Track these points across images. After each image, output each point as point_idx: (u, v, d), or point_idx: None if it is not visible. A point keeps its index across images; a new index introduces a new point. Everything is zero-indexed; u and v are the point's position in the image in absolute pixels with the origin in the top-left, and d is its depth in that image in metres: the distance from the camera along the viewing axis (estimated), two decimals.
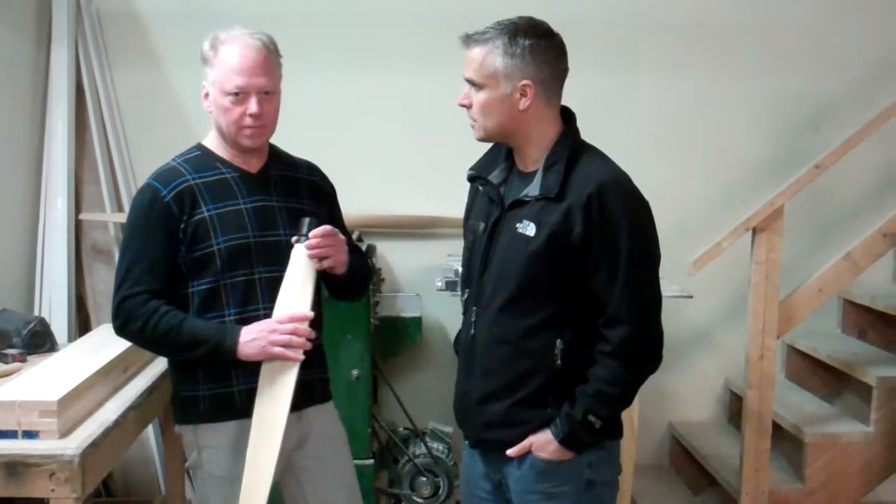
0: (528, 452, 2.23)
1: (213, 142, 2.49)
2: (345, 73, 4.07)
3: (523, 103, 2.16)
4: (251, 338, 2.33)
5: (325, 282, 2.56)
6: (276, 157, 2.55)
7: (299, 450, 2.53)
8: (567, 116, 2.27)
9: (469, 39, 2.18)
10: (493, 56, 2.14)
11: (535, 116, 2.19)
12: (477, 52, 2.16)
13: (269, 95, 2.38)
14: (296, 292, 2.37)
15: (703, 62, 4.19)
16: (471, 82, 2.19)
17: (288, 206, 2.49)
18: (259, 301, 2.41)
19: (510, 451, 2.24)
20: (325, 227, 2.40)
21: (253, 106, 2.34)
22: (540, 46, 2.15)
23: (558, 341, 2.18)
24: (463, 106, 2.23)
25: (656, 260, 2.22)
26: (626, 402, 2.25)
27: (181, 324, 2.34)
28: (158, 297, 2.36)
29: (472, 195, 2.45)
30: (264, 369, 2.34)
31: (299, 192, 2.54)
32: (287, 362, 2.33)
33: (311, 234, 2.38)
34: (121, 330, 2.42)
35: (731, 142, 4.23)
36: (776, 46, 4.19)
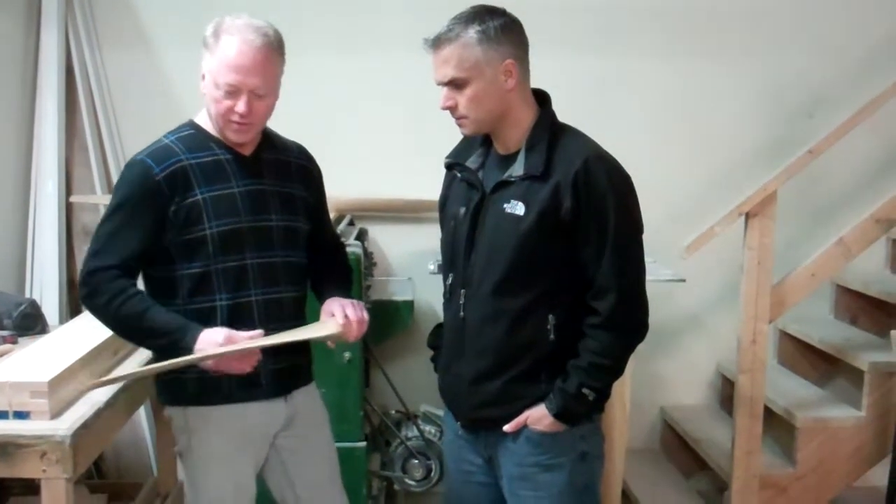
0: (524, 426, 2.26)
1: (205, 121, 2.44)
2: (339, 55, 4.06)
3: (510, 83, 2.19)
4: (203, 349, 2.26)
5: (312, 289, 2.60)
6: (268, 140, 2.52)
7: (285, 430, 2.53)
8: (541, 97, 2.30)
9: (438, 41, 2.18)
10: (469, 48, 2.15)
11: (519, 95, 2.23)
12: (450, 50, 2.17)
13: (262, 96, 2.32)
14: (289, 338, 2.35)
15: (696, 47, 4.18)
16: (452, 82, 2.19)
17: (280, 190, 2.47)
18: (250, 287, 2.39)
19: (507, 427, 2.27)
20: (363, 317, 2.43)
21: (241, 105, 2.29)
22: (507, 25, 2.19)
23: (550, 317, 2.22)
24: (447, 108, 2.23)
25: (641, 230, 2.26)
26: (618, 372, 2.29)
27: (144, 312, 2.28)
28: (129, 276, 2.32)
29: (448, 183, 2.47)
30: None
31: (291, 176, 2.52)
32: None
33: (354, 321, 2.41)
34: (84, 300, 2.37)
35: (724, 127, 4.23)
36: (770, 31, 4.18)
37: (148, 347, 2.36)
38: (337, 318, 2.38)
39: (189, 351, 2.25)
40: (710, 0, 4.16)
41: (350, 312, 2.41)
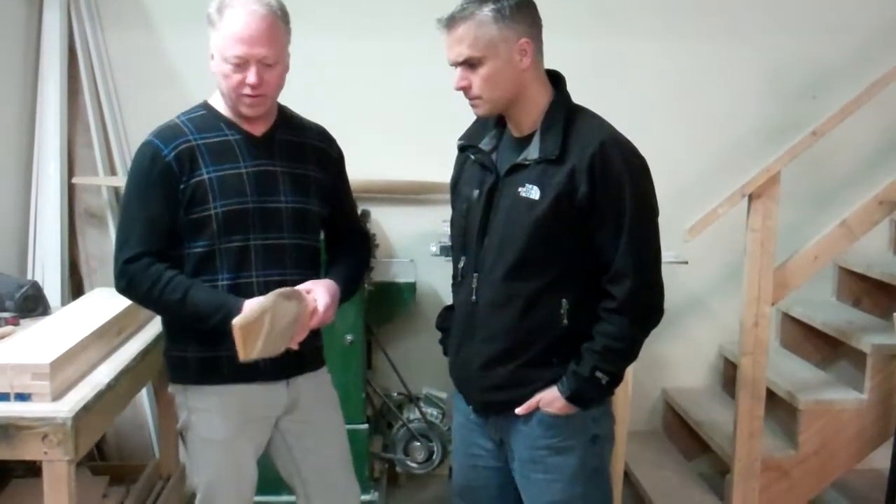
0: (536, 409, 2.25)
1: (218, 101, 2.43)
2: (343, 36, 4.04)
3: (525, 62, 2.17)
4: None
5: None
6: (285, 121, 2.51)
7: (288, 415, 2.53)
8: (556, 79, 2.28)
9: (452, 20, 2.15)
10: (485, 26, 2.13)
11: (533, 75, 2.21)
12: (464, 29, 2.14)
13: (271, 65, 2.32)
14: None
15: (699, 28, 4.16)
16: (466, 62, 2.16)
17: (292, 171, 2.46)
18: (252, 268, 2.39)
19: (519, 410, 2.26)
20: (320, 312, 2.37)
21: (251, 76, 2.28)
22: (522, 3, 2.18)
23: (564, 301, 2.21)
24: (461, 89, 2.21)
25: (657, 213, 2.25)
26: (632, 356, 2.29)
27: (184, 298, 2.31)
28: (161, 259, 2.34)
29: (460, 164, 2.45)
30: None
31: (305, 157, 2.50)
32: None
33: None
34: (125, 292, 2.40)
35: (727, 108, 4.21)
36: (773, 12, 4.16)
37: (201, 329, 2.36)
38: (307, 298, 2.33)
39: None
40: None
41: (319, 297, 2.38)
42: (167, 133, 2.38)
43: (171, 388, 2.53)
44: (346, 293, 2.51)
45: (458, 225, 2.41)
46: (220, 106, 2.43)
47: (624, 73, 4.13)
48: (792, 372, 3.94)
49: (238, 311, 2.26)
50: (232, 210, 2.36)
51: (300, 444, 2.57)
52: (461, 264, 2.38)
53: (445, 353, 2.49)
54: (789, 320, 4.25)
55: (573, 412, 2.24)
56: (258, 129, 2.44)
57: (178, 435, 2.55)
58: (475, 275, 2.29)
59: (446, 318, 2.51)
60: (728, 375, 4.26)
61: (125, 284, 2.36)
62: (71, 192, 3.91)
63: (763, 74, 4.20)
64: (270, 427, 2.53)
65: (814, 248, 3.55)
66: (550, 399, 2.24)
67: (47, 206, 3.80)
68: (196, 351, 2.41)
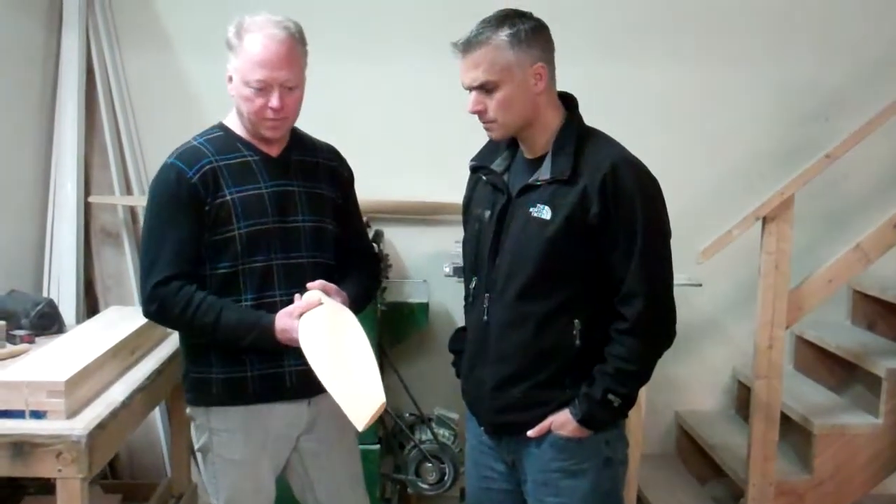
0: (548, 431, 2.25)
1: (234, 122, 2.46)
2: (355, 57, 4.06)
3: (539, 86, 2.18)
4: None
5: None
6: (298, 141, 2.54)
7: (307, 434, 2.54)
8: (568, 100, 2.29)
9: (468, 45, 2.16)
10: (501, 51, 2.14)
11: (547, 99, 2.22)
12: (480, 53, 2.15)
13: (292, 88, 2.35)
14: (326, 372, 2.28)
15: (711, 49, 4.16)
16: (482, 86, 2.17)
17: (308, 190, 2.48)
18: (275, 287, 2.41)
19: (531, 432, 2.26)
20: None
21: (274, 100, 2.32)
22: (537, 28, 2.19)
23: (576, 321, 2.21)
24: (476, 112, 2.22)
25: (669, 234, 2.25)
26: (645, 378, 2.28)
27: (217, 321, 2.33)
28: (189, 280, 2.35)
29: (472, 185, 2.46)
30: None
31: (319, 176, 2.53)
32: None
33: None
34: (155, 316, 2.41)
35: (740, 130, 4.20)
36: (786, 34, 4.16)
37: (235, 347, 2.38)
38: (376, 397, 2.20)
39: (275, 341, 2.32)
40: (724, 2, 4.15)
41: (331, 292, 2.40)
42: (189, 155, 2.40)
43: (191, 411, 2.53)
44: (356, 309, 2.50)
45: (470, 245, 2.41)
46: (236, 127, 2.45)
47: (637, 96, 4.13)
48: (806, 395, 3.91)
49: (271, 327, 2.31)
50: (254, 230, 2.38)
51: (316, 463, 2.57)
52: (473, 285, 2.38)
53: (458, 376, 2.49)
54: (803, 343, 4.23)
55: (586, 435, 2.24)
56: (274, 150, 2.46)
57: (191, 454, 2.55)
58: (487, 295, 2.30)
59: (458, 339, 2.51)
60: (742, 398, 4.24)
61: (156, 308, 2.37)
62: (87, 210, 3.93)
63: (775, 97, 4.19)
64: (291, 446, 2.53)
65: (828, 271, 3.54)
66: (563, 422, 2.23)
67: (64, 224, 3.82)
68: (221, 371, 2.43)
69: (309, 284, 2.38)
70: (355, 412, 2.11)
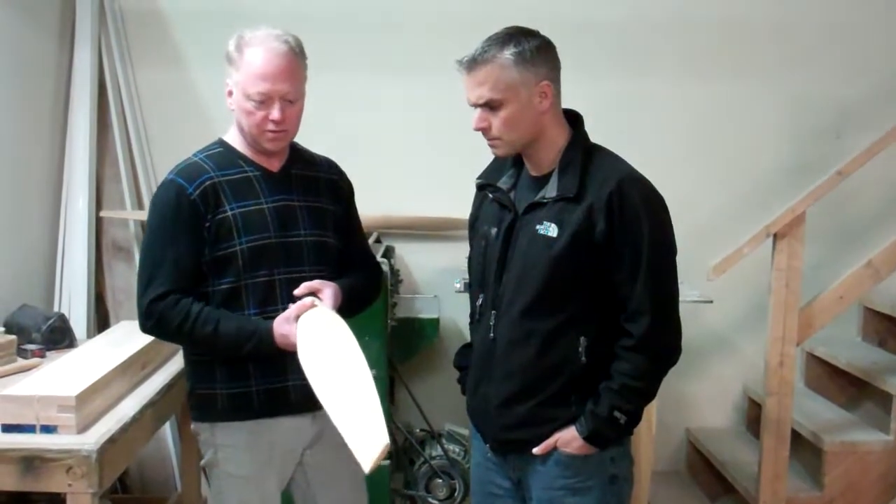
0: (554, 449, 2.24)
1: (234, 138, 2.47)
2: (364, 75, 4.08)
3: (544, 104, 2.18)
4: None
5: None
6: (297, 155, 2.54)
7: (312, 448, 2.53)
8: (573, 118, 2.29)
9: (473, 62, 2.16)
10: (506, 69, 2.14)
11: (552, 117, 2.22)
12: (486, 71, 2.15)
13: (292, 101, 2.36)
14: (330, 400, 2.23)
15: (723, 66, 4.17)
16: (487, 104, 2.17)
17: (309, 205, 2.49)
18: (278, 302, 2.40)
19: (536, 450, 2.25)
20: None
21: (275, 113, 2.33)
22: (543, 46, 2.18)
23: (582, 339, 2.20)
24: (480, 129, 2.22)
25: (675, 251, 2.24)
26: (651, 395, 2.28)
27: (215, 332, 2.33)
28: (186, 295, 2.35)
29: (479, 202, 2.46)
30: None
31: (319, 190, 2.53)
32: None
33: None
34: (153, 330, 2.42)
35: (751, 146, 4.21)
36: (797, 50, 4.17)
37: (238, 357, 2.39)
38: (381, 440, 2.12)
39: (275, 347, 2.33)
40: (737, 18, 4.15)
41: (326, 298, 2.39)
42: (189, 171, 2.40)
43: (195, 426, 2.53)
44: (349, 303, 2.48)
45: (477, 262, 2.41)
46: (236, 142, 2.47)
47: (648, 112, 4.14)
48: (817, 412, 3.90)
49: (269, 334, 2.31)
50: (256, 245, 2.38)
51: (319, 477, 2.56)
52: (479, 302, 2.38)
53: (464, 392, 2.49)
54: (814, 360, 4.22)
55: (591, 452, 2.23)
56: (274, 165, 2.47)
57: (201, 469, 2.54)
58: (493, 312, 2.29)
59: (464, 356, 2.51)
60: (752, 415, 4.22)
61: (153, 323, 2.37)
62: (98, 225, 3.95)
63: (786, 113, 4.20)
64: (296, 460, 2.53)
65: (839, 288, 3.54)
66: (568, 439, 2.23)
67: (75, 239, 3.83)
68: (225, 387, 2.42)
69: (296, 292, 2.36)
70: (363, 453, 2.07)
